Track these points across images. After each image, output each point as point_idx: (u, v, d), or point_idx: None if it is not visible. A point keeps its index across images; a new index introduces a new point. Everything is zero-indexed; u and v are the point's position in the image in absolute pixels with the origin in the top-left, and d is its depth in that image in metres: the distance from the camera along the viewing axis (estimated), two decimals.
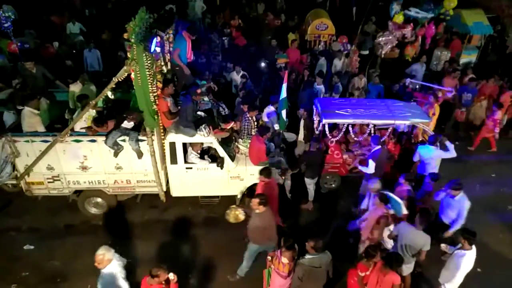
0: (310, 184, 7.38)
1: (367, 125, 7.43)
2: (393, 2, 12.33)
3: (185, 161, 6.91)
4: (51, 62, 10.06)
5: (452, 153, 6.88)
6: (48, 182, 6.84)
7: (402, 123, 7.33)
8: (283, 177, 7.14)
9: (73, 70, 9.98)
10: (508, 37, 13.87)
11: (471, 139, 9.81)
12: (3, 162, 6.50)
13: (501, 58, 13.27)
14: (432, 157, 6.93)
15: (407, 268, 5.43)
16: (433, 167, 7.01)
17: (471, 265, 5.05)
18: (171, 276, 4.62)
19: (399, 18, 11.32)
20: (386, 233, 5.72)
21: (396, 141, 7.98)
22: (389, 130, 7.51)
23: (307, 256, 4.86)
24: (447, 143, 6.93)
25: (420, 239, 5.21)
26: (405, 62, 12.18)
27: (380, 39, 11.03)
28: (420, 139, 8.15)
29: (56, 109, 7.20)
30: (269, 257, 5.17)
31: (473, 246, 5.02)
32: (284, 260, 4.85)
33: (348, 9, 15.89)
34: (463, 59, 12.49)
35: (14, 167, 6.65)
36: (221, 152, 6.85)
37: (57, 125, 6.71)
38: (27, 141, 6.39)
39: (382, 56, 11.18)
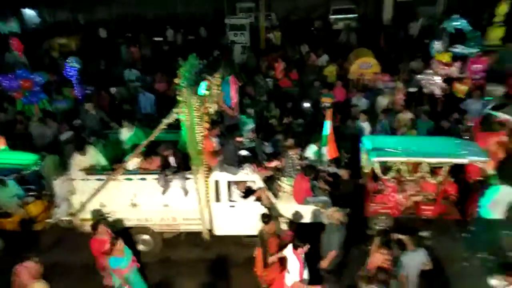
0: None
1: (420, 163, 7.02)
2: (433, 41, 12.10)
3: (229, 199, 6.92)
4: (110, 106, 10.94)
5: None
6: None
7: (459, 162, 6.84)
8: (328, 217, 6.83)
9: (130, 113, 10.73)
10: None
11: None
12: (61, 199, 6.96)
13: None
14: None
15: None
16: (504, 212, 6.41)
17: None
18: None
19: (445, 57, 11.05)
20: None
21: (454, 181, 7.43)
22: (444, 169, 7.01)
23: None
24: None
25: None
26: (456, 98, 11.63)
27: (421, 76, 10.83)
28: (479, 178, 7.50)
29: (112, 149, 7.68)
30: None
31: None
32: None
33: (394, 47, 15.80)
34: None
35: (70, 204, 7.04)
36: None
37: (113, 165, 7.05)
38: (83, 179, 6.80)
39: (437, 95, 10.87)
